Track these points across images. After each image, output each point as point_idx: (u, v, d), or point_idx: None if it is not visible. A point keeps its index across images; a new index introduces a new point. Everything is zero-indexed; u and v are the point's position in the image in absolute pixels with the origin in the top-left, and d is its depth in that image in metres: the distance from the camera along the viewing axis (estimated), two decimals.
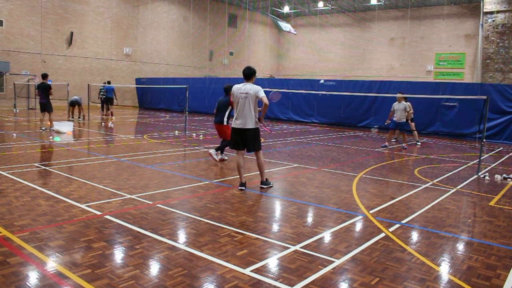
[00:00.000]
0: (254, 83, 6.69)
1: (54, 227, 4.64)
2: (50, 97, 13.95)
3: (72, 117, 18.50)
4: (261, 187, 6.92)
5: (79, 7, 26.96)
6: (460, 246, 4.64)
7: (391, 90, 18.34)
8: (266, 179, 7.00)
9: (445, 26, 32.31)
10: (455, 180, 8.28)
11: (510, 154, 12.84)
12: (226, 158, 9.43)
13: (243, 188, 6.73)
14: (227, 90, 9.02)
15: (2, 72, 23.69)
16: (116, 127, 16.45)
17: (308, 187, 7.16)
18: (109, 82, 22.85)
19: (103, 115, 21.80)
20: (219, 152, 9.29)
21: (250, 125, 6.55)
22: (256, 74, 6.81)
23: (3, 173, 7.25)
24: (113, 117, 20.37)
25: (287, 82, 23.87)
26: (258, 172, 7.05)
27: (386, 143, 12.93)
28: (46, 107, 13.97)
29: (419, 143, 14.32)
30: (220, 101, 9.21)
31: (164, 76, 31.45)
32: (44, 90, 13.91)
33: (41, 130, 13.83)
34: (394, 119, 12.55)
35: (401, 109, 12.35)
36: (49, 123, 14.01)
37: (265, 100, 6.40)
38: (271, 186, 7.01)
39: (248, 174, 8.12)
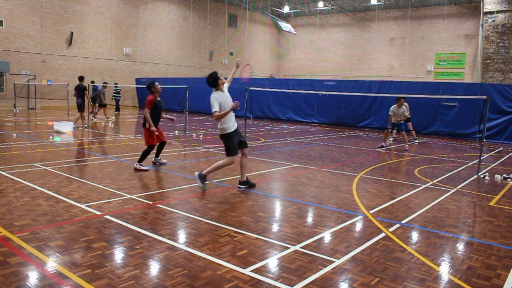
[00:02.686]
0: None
1: (54, 227, 4.64)
2: (85, 98, 15.03)
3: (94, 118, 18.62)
4: (239, 187, 6.82)
5: (79, 7, 26.96)
6: (460, 246, 4.64)
7: (391, 90, 18.35)
8: (204, 175, 6.61)
9: (445, 26, 32.31)
10: (455, 180, 8.28)
11: (510, 154, 12.84)
12: (147, 168, 8.13)
13: (247, 186, 6.75)
14: (149, 88, 8.17)
15: (2, 72, 23.70)
16: (116, 127, 16.45)
17: (308, 187, 7.16)
18: (92, 82, 22.88)
19: (116, 115, 21.75)
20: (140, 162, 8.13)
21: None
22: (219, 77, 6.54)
23: (3, 173, 7.25)
24: (95, 119, 19.03)
25: (287, 82, 23.88)
26: (258, 172, 7.07)
27: (383, 143, 12.94)
28: (79, 107, 15.02)
29: (417, 142, 14.56)
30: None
31: (164, 76, 31.45)
32: (80, 91, 15.06)
33: (75, 128, 14.64)
34: (393, 121, 12.61)
35: (400, 113, 12.44)
36: (80, 120, 15.11)
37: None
38: (253, 186, 6.87)
39: (248, 174, 8.11)
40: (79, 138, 12.84)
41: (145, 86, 24.55)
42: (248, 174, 7.85)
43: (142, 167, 8.02)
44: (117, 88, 24.09)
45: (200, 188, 6.55)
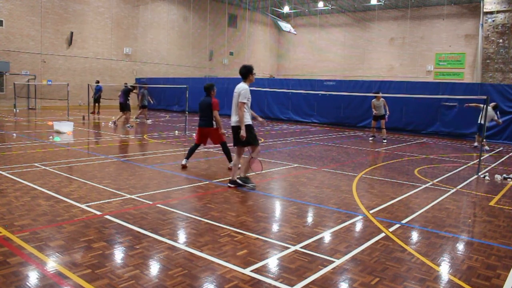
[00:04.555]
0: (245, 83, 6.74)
1: (54, 227, 4.64)
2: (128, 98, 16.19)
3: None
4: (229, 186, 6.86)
5: (79, 7, 26.95)
6: (460, 246, 4.64)
7: (391, 90, 18.35)
8: (239, 178, 6.83)
9: (445, 26, 32.30)
10: (455, 180, 8.28)
11: (510, 154, 12.84)
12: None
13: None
14: (208, 89, 8.38)
15: (2, 72, 23.70)
16: (116, 127, 16.44)
17: (308, 187, 7.16)
18: (97, 82, 23.00)
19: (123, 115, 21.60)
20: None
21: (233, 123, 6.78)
22: (255, 73, 6.81)
23: (3, 173, 7.25)
24: (138, 120, 19.23)
25: (287, 82, 23.86)
26: (258, 172, 7.09)
27: (486, 147, 12.98)
28: (123, 107, 16.07)
29: (385, 141, 14.57)
30: (203, 103, 8.33)
31: (164, 76, 31.44)
32: (124, 92, 16.17)
33: (127, 127, 15.80)
34: (488, 124, 12.81)
35: (491, 116, 12.84)
36: (124, 120, 16.14)
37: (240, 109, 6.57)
38: (244, 185, 6.80)
39: (248, 174, 8.12)
40: (79, 138, 12.84)
41: (144, 86, 24.67)
42: (248, 174, 7.86)
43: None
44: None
45: (251, 188, 6.73)
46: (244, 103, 6.52)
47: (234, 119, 6.74)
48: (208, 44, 35.90)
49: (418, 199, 6.61)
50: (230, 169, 8.28)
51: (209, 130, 8.39)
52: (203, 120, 8.35)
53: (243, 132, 6.52)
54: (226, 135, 8.76)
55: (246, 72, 6.67)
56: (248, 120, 6.69)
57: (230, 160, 8.39)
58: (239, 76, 6.85)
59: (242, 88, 6.59)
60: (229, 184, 6.88)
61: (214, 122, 8.28)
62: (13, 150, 9.90)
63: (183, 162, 8.47)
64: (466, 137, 16.67)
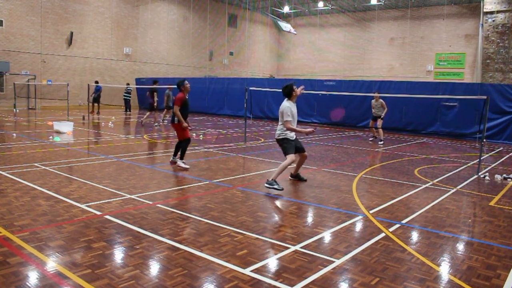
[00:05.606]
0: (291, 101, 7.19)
1: (54, 227, 4.64)
2: (155, 98, 17.05)
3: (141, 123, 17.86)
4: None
5: (79, 7, 26.95)
6: (460, 246, 4.64)
7: (391, 90, 18.35)
8: (273, 180, 6.78)
9: (445, 26, 32.30)
10: (455, 180, 8.28)
11: (510, 154, 12.84)
12: (188, 166, 8.40)
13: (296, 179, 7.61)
14: (178, 85, 8.46)
15: (2, 72, 23.69)
16: (116, 127, 16.45)
17: (308, 187, 7.16)
18: (96, 82, 23.03)
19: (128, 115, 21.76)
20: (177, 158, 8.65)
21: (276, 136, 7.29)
22: (295, 88, 7.27)
23: (3, 173, 7.25)
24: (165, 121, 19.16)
25: (287, 82, 23.85)
26: (258, 172, 7.12)
27: None
28: (150, 106, 17.29)
29: (381, 142, 14.10)
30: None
31: (164, 76, 31.43)
32: (151, 92, 17.33)
33: (154, 126, 16.85)
34: None
35: None
36: (153, 119, 17.44)
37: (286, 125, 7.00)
38: (277, 189, 6.68)
39: (248, 174, 8.13)
40: (79, 138, 12.83)
41: (144, 86, 24.62)
42: (248, 174, 7.88)
43: (184, 165, 8.35)
44: (128, 88, 24.25)
45: (277, 190, 6.66)
46: (288, 121, 6.95)
47: (276, 133, 7.23)
48: (208, 44, 35.90)
49: (418, 199, 6.61)
50: (172, 162, 8.61)
51: (173, 126, 8.55)
52: (171, 116, 8.59)
53: (309, 130, 7.19)
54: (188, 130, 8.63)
55: (289, 92, 7.14)
56: (292, 135, 7.09)
57: (175, 155, 8.62)
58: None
59: (283, 106, 7.02)
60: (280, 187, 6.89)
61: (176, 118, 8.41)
62: (13, 150, 9.90)
63: (171, 158, 8.74)
64: (466, 137, 16.67)
